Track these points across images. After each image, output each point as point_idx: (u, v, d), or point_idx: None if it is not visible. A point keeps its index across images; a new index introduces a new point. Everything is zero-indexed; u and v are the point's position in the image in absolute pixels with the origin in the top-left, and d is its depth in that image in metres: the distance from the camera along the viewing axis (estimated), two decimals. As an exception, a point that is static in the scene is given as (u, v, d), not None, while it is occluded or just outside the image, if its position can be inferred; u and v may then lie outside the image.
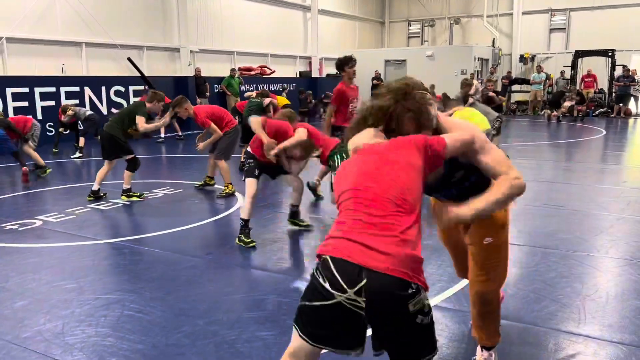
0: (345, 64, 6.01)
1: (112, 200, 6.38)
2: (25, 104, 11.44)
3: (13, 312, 3.37)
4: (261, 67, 18.05)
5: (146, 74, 13.81)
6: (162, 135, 12.50)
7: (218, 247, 4.74)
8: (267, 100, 7.97)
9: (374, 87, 20.58)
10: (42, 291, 3.73)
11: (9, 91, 11.15)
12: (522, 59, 21.70)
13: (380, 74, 20.83)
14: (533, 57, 21.54)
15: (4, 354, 2.84)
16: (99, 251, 4.64)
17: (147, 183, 6.59)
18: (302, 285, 3.82)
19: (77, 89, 12.42)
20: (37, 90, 11.65)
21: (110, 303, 3.47)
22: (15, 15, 11.19)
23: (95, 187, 6.37)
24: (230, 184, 6.60)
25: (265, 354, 2.84)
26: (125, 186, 6.36)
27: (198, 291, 3.69)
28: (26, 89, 11.47)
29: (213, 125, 6.30)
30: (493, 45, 21.70)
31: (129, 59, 13.47)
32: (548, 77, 19.79)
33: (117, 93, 13.30)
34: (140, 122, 6.20)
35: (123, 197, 6.33)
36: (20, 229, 5.27)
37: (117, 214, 5.88)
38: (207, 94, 15.14)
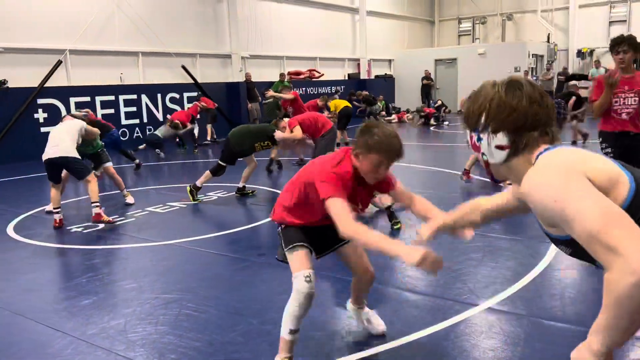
0: None
1: (168, 204, 6.60)
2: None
3: (79, 310, 3.56)
4: (310, 70, 18.20)
5: (199, 80, 14.24)
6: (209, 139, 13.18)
7: (270, 249, 4.82)
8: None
9: (424, 87, 20.37)
10: (105, 290, 3.92)
11: (72, 100, 11.75)
12: (580, 53, 20.93)
13: (430, 74, 20.58)
14: (591, 52, 20.73)
15: (73, 349, 3.00)
16: (157, 252, 4.82)
17: (204, 187, 6.80)
18: (348, 288, 3.84)
19: (134, 96, 12.94)
20: (98, 99, 12.22)
21: (169, 302, 3.60)
22: (77, 29, 11.78)
23: (240, 184, 6.99)
24: None
25: (317, 353, 2.87)
26: (198, 184, 6.68)
27: (252, 291, 3.77)
28: (88, 98, 12.05)
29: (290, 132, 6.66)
30: (548, 41, 21.02)
31: (183, 67, 13.91)
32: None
33: (172, 100, 13.75)
34: (277, 134, 6.69)
35: (190, 196, 6.67)
36: (84, 231, 5.55)
37: (173, 217, 6.09)
38: (259, 98, 15.42)
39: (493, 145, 1.50)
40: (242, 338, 3.05)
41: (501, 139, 1.48)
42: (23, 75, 11.01)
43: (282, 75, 16.00)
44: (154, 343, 3.03)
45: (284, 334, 2.58)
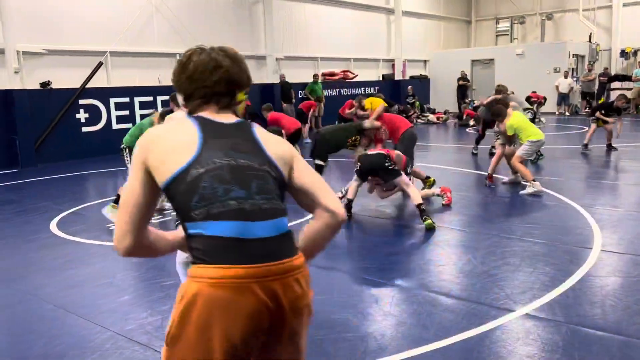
0: None
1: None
2: (127, 112, 12.31)
3: (119, 306, 3.66)
4: (344, 71, 18.19)
5: (235, 81, 14.40)
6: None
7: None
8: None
9: (460, 87, 20.12)
10: (143, 287, 4.01)
11: (112, 101, 12.06)
12: (624, 54, 20.27)
13: (466, 74, 20.30)
14: (635, 52, 20.07)
15: (112, 344, 3.09)
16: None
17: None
18: (383, 290, 3.83)
19: (172, 97, 13.18)
20: (137, 100, 12.50)
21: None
22: (117, 31, 12.09)
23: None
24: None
25: (350, 355, 2.87)
26: None
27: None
28: (127, 99, 12.34)
29: None
30: (590, 41, 20.45)
31: (219, 68, 14.10)
32: (653, 72, 18.34)
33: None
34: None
35: None
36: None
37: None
38: (293, 100, 15.54)
39: None
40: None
41: None
42: (66, 77, 11.36)
43: (315, 76, 16.07)
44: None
45: None
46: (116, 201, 5.77)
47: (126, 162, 5.89)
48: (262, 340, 1.49)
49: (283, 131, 7.49)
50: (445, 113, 18.73)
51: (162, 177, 1.49)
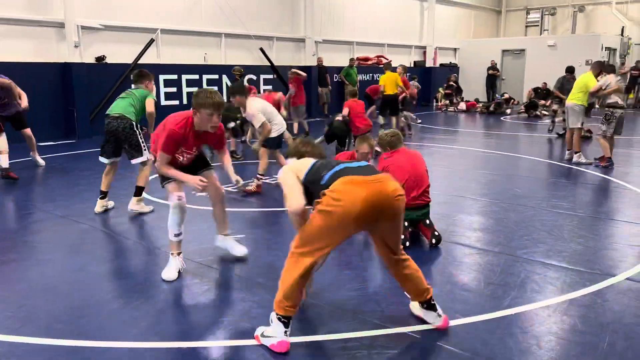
0: None
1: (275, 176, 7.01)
2: (174, 89, 12.64)
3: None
4: (378, 56, 18.37)
5: (275, 63, 14.67)
6: None
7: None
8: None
9: (489, 77, 20.24)
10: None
11: (162, 78, 12.37)
12: (655, 48, 20.29)
13: (496, 64, 20.41)
14: (667, 47, 20.08)
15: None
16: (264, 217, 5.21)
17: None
18: (492, 259, 4.13)
19: (216, 76, 13.48)
20: (184, 77, 12.81)
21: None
22: (168, 9, 12.37)
23: None
24: None
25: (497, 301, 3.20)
26: None
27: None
28: (175, 76, 12.66)
29: None
30: (622, 34, 20.47)
31: (261, 49, 14.37)
32: (685, 67, 18.40)
33: (249, 81, 14.21)
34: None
35: None
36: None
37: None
38: (329, 86, 15.75)
39: None
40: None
41: None
42: (120, 52, 11.68)
43: (351, 60, 16.26)
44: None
45: (172, 237, 3.72)
46: (137, 193, 5.37)
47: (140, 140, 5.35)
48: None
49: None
50: (477, 101, 18.82)
51: None
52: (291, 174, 2.78)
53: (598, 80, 8.05)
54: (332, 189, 2.56)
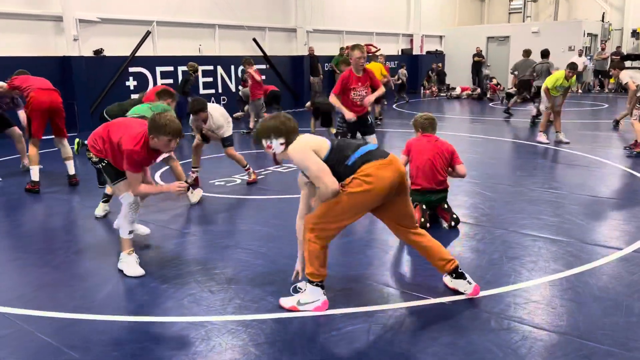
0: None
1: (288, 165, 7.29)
2: (170, 81, 12.79)
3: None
4: (367, 45, 18.63)
5: (268, 53, 14.88)
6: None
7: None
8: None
9: (475, 64, 20.66)
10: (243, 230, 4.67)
11: (158, 69, 12.53)
12: (635, 33, 20.90)
13: (481, 51, 20.81)
14: (646, 32, 20.71)
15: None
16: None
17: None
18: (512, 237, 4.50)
19: (211, 67, 13.67)
20: (180, 69, 12.97)
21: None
22: (163, 2, 12.50)
23: None
24: None
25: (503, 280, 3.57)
26: None
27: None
28: (171, 68, 12.83)
29: None
30: (602, 20, 21.01)
31: (254, 40, 14.56)
32: (663, 52, 19.03)
33: (244, 72, 14.40)
34: None
35: None
36: (227, 185, 6.36)
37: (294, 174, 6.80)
38: (321, 75, 16.02)
39: (278, 144, 3.03)
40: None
41: (280, 141, 3.04)
42: (116, 45, 11.81)
43: (342, 49, 16.52)
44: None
45: (126, 235, 3.82)
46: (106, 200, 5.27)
47: None
48: None
49: None
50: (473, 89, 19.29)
51: None
52: (313, 153, 2.93)
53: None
54: (365, 172, 2.90)
